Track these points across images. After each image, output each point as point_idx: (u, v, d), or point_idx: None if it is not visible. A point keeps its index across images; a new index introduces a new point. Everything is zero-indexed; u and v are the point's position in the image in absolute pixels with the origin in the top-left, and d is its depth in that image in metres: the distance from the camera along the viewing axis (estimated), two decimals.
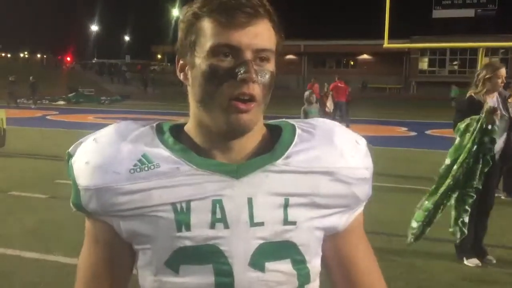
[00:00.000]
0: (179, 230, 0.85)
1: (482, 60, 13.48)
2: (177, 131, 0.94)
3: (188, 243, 0.85)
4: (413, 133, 14.85)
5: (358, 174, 0.92)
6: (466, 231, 3.96)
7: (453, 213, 4.00)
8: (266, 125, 0.97)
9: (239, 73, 0.82)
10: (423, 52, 48.59)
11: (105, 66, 56.06)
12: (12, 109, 18.30)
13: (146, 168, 0.86)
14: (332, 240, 0.95)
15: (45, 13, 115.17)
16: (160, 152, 0.88)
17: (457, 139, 4.04)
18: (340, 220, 0.93)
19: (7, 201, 6.28)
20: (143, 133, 0.91)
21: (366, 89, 44.47)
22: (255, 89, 0.84)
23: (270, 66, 0.87)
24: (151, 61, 69.24)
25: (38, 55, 64.90)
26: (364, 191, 0.94)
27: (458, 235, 3.98)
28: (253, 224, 0.86)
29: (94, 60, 69.60)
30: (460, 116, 4.13)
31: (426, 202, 3.97)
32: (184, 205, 0.85)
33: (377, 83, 47.71)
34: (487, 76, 4.18)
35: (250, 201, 0.86)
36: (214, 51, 0.84)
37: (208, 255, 0.85)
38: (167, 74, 57.68)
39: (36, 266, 4.14)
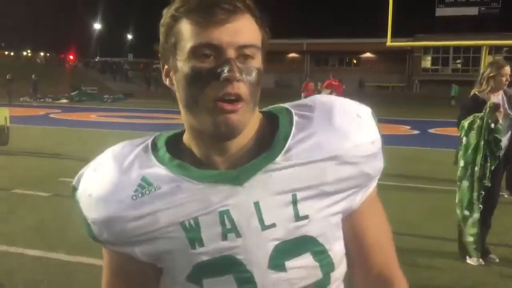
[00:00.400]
0: (193, 247, 0.85)
1: (486, 59, 13.44)
2: (175, 142, 0.92)
3: (204, 257, 0.85)
4: (416, 132, 14.82)
5: (364, 151, 0.87)
6: (478, 230, 4.02)
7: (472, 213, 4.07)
8: (263, 114, 0.94)
9: (222, 72, 0.79)
10: (426, 50, 48.48)
11: (107, 65, 56.12)
12: (14, 107, 18.31)
13: (147, 192, 0.85)
14: (347, 218, 0.92)
15: (47, 11, 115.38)
16: (158, 172, 0.86)
17: (464, 139, 4.06)
18: (353, 201, 0.90)
19: (10, 199, 6.30)
20: (139, 154, 0.89)
21: (363, 88, 44.29)
22: (241, 88, 0.80)
23: (256, 62, 0.83)
24: (154, 60, 69.30)
25: (41, 54, 64.98)
26: (374, 166, 0.90)
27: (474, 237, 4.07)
28: (264, 227, 0.84)
29: (97, 59, 69.65)
30: (464, 114, 4.15)
31: (468, 212, 4.09)
32: (192, 222, 0.84)
33: (380, 82, 47.66)
34: (491, 74, 4.18)
35: (257, 205, 0.84)
36: (195, 53, 0.81)
37: (226, 266, 0.85)
38: None
39: (39, 264, 4.14)
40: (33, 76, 25.92)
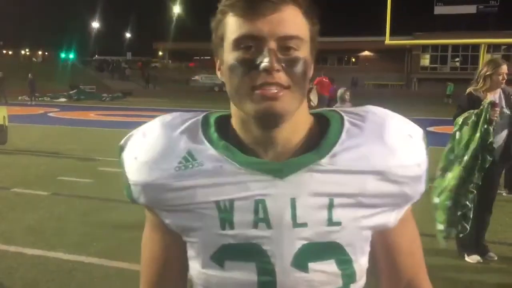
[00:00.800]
0: (223, 228, 0.86)
1: (484, 57, 13.44)
2: (224, 124, 0.93)
3: (231, 240, 0.86)
4: None
5: (409, 172, 0.87)
6: (468, 227, 3.99)
7: (443, 212, 4.03)
8: (315, 115, 0.94)
9: (261, 63, 0.80)
10: (424, 48, 48.53)
11: (105, 63, 56.11)
12: (12, 106, 18.29)
13: (191, 166, 0.87)
14: (379, 233, 0.92)
15: (46, 10, 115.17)
16: (204, 149, 0.88)
17: (457, 133, 4.08)
18: (389, 218, 0.90)
19: (9, 198, 6.29)
20: (189, 128, 0.91)
21: (356, 86, 44.19)
22: (282, 78, 0.81)
23: (300, 53, 0.83)
24: (153, 58, 69.23)
25: (39, 52, 64.88)
26: (415, 189, 0.90)
27: (453, 234, 4.02)
28: (296, 225, 0.84)
29: (95, 57, 69.58)
30: (460, 112, 4.17)
31: (441, 198, 4.02)
32: (227, 203, 0.85)
33: (379, 80, 47.69)
34: (488, 73, 4.19)
35: (293, 201, 0.84)
36: (237, 44, 0.82)
37: (251, 253, 0.86)
38: (169, 71, 57.74)
39: (38, 263, 4.14)
40: (29, 75, 25.81)
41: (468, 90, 4.32)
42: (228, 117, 0.94)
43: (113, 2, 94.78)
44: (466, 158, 3.97)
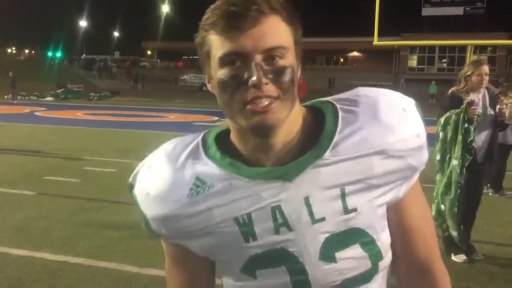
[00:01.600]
0: (247, 241, 0.89)
1: (471, 58, 13.56)
2: (224, 139, 0.95)
3: (258, 250, 0.89)
4: None
5: (409, 144, 0.90)
6: (453, 226, 4.09)
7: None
8: (307, 108, 0.96)
9: (249, 78, 0.82)
10: (412, 49, 48.87)
11: (92, 62, 55.75)
12: None
13: (202, 191, 0.89)
14: (391, 208, 0.94)
15: (33, 7, 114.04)
16: (211, 170, 0.90)
17: (441, 133, 4.15)
18: (399, 192, 0.93)
19: None
20: (192, 152, 0.93)
21: (333, 86, 44.21)
22: (270, 89, 0.83)
23: (286, 61, 0.85)
24: (141, 57, 68.85)
25: (26, 51, 64.19)
26: (419, 158, 0.92)
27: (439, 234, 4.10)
28: (314, 221, 0.87)
29: (83, 56, 69.03)
30: (443, 112, 4.24)
31: (445, 205, 4.15)
32: (245, 217, 0.88)
33: (367, 80, 47.91)
34: (468, 73, 4.23)
35: (307, 200, 0.87)
36: (223, 61, 0.84)
37: (279, 258, 0.89)
38: (157, 70, 57.49)
39: (24, 263, 4.10)
40: (10, 73, 25.37)
41: (450, 90, 4.37)
42: (226, 132, 0.96)
43: (101, 1, 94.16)
44: (453, 160, 4.05)
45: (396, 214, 0.95)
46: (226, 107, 0.87)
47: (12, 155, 9.26)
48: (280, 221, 0.87)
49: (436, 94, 29.37)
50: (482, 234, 4.83)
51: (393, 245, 0.97)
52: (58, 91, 29.64)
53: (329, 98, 0.96)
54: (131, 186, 0.97)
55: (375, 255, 0.91)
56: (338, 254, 0.89)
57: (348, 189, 0.87)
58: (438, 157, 4.17)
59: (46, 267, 4.02)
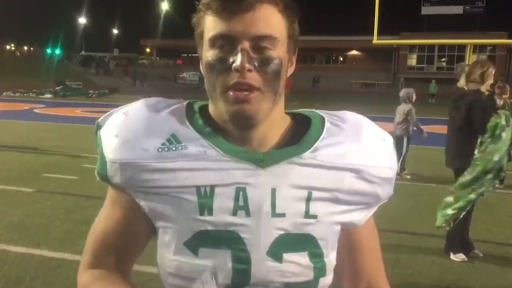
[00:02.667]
0: (202, 213, 0.86)
1: (470, 57, 13.56)
2: (207, 113, 0.93)
3: (209, 227, 0.86)
4: None
5: (382, 173, 0.92)
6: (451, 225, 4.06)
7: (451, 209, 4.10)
8: (294, 115, 0.97)
9: (233, 62, 0.82)
10: (411, 48, 48.87)
11: (89, 59, 55.76)
12: None
13: (174, 148, 0.87)
14: (346, 231, 0.96)
15: (32, 5, 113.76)
16: (189, 133, 0.88)
17: (503, 134, 4.17)
18: (359, 217, 0.94)
19: None
20: (174, 111, 0.91)
21: (317, 85, 44.03)
22: (253, 78, 0.83)
23: (275, 52, 0.84)
24: (140, 55, 68.76)
25: (25, 48, 64.08)
26: (386, 190, 0.95)
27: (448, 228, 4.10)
28: (274, 214, 0.86)
29: (82, 53, 68.93)
30: (491, 112, 4.17)
31: (466, 191, 4.08)
32: (208, 189, 0.86)
33: (366, 79, 47.92)
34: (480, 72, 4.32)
35: (273, 191, 0.86)
36: (213, 42, 0.84)
37: (227, 240, 0.86)
38: (156, 68, 57.42)
39: (22, 260, 4.09)
40: None
41: (484, 89, 4.44)
42: (206, 106, 0.95)
43: None
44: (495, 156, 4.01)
45: (349, 237, 0.97)
46: (211, 89, 0.87)
47: (10, 152, 9.24)
48: (241, 204, 0.85)
49: (435, 93, 29.27)
50: (480, 232, 4.85)
51: (341, 267, 0.98)
52: (57, 88, 29.58)
53: (317, 110, 0.98)
54: (99, 126, 0.94)
55: (320, 269, 0.90)
56: (286, 256, 0.87)
57: (315, 194, 0.88)
58: (496, 157, 4.02)
59: (44, 264, 4.02)
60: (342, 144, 0.90)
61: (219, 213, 0.85)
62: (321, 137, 0.90)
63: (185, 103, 0.95)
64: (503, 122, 4.12)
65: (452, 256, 4.30)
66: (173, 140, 0.87)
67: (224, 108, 0.85)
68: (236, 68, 0.81)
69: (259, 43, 0.83)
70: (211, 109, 0.92)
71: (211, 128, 0.89)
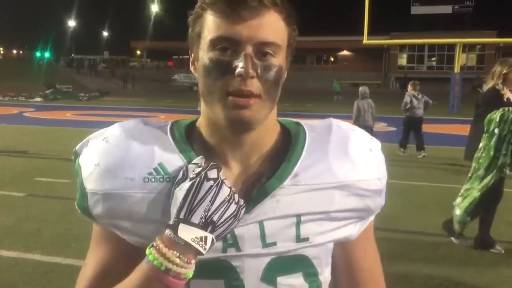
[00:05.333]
0: None
1: (460, 56, 13.64)
2: (191, 131, 0.90)
3: (199, 261, 0.81)
4: (392, 128, 14.99)
5: (371, 186, 0.89)
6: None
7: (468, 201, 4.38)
8: (281, 124, 0.94)
9: (236, 67, 0.78)
10: (402, 48, 49.14)
11: (78, 61, 55.64)
12: None
13: (161, 180, 0.82)
14: (341, 245, 0.93)
15: (21, 7, 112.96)
16: (176, 162, 0.84)
17: (496, 130, 4.34)
18: (352, 231, 0.91)
19: None
20: (158, 136, 0.87)
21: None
22: (254, 85, 0.80)
23: (276, 60, 0.82)
24: (131, 57, 68.51)
25: (14, 51, 63.61)
26: (377, 202, 0.92)
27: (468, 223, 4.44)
28: (265, 245, 0.84)
29: (71, 56, 68.53)
30: (488, 108, 4.46)
31: (471, 189, 4.40)
32: None
33: (357, 79, 48.07)
34: (505, 71, 4.54)
35: (261, 225, 0.84)
36: (214, 44, 0.81)
37: (219, 270, 0.84)
38: (147, 70, 57.25)
39: (15, 264, 4.07)
40: None
41: (490, 87, 4.65)
42: (192, 124, 0.92)
43: (90, 1, 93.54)
44: (504, 157, 4.29)
45: (346, 254, 0.94)
46: (207, 93, 0.83)
47: (0, 156, 9.18)
48: (230, 242, 0.83)
49: (339, 91, 30.50)
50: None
51: (339, 284, 0.96)
52: (47, 91, 29.38)
53: (302, 122, 0.94)
54: (76, 154, 0.89)
55: None
56: (280, 279, 0.85)
57: (304, 218, 0.85)
58: (491, 152, 4.35)
59: (37, 268, 4.00)
60: (326, 160, 0.87)
61: (209, 251, 0.79)
62: (300, 159, 0.86)
63: (169, 124, 0.90)
64: (497, 119, 4.28)
65: (455, 240, 4.58)
66: (161, 170, 0.83)
67: (222, 114, 0.81)
68: (240, 74, 0.78)
69: (263, 49, 0.80)
70: (203, 111, 0.89)
71: (193, 150, 0.85)
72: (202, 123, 0.90)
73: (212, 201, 0.77)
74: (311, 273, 0.88)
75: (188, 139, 0.88)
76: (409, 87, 9.85)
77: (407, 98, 9.60)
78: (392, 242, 4.60)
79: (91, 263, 0.91)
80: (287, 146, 0.89)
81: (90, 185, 0.85)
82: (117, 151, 0.85)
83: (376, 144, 0.94)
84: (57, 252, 4.31)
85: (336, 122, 0.94)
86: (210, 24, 0.82)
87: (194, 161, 0.83)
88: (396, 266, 4.06)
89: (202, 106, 0.89)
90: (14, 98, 26.76)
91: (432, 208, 5.75)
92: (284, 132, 0.92)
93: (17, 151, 9.70)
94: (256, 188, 0.85)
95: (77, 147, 0.90)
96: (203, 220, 0.76)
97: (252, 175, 0.87)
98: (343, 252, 0.93)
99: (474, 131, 4.77)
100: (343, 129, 0.93)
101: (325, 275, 0.91)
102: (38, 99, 27.66)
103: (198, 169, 0.79)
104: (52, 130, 14.03)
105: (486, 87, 4.72)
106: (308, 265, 0.88)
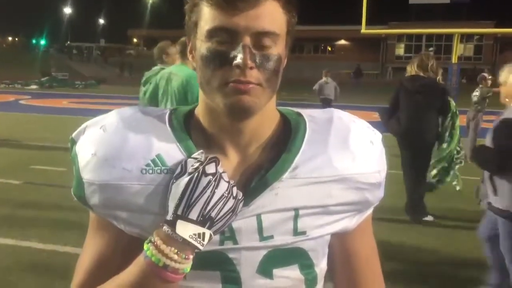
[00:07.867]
0: None
1: (458, 46, 13.64)
2: (189, 119, 0.89)
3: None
4: None
5: (370, 179, 0.89)
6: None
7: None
8: (280, 114, 0.92)
9: (234, 58, 0.77)
10: (399, 38, 49.04)
11: (74, 48, 55.39)
12: None
13: (159, 171, 0.81)
14: (338, 235, 0.92)
15: None
16: (174, 153, 0.82)
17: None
18: (350, 223, 0.91)
19: None
20: (157, 125, 0.86)
21: None
22: (253, 75, 0.78)
23: (275, 50, 0.81)
24: (127, 45, 68.10)
25: (10, 38, 63.18)
26: (376, 195, 0.91)
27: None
28: (262, 238, 0.84)
29: (67, 44, 68.10)
30: None
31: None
32: None
33: (354, 69, 47.99)
34: None
35: (259, 218, 0.83)
36: (211, 35, 0.79)
37: (216, 262, 0.84)
38: (144, 58, 56.96)
39: (12, 252, 4.09)
40: None
41: None
42: (191, 112, 0.91)
43: None
44: None
45: (344, 244, 0.93)
46: (206, 83, 0.82)
47: None
48: (228, 235, 0.83)
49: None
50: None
51: (337, 274, 0.96)
52: (42, 79, 29.21)
53: (302, 113, 0.93)
54: (73, 142, 0.88)
55: (311, 280, 0.89)
56: (276, 271, 0.85)
57: (302, 211, 0.85)
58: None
59: (34, 256, 4.01)
60: (325, 153, 0.86)
61: (206, 244, 0.78)
62: (300, 151, 0.85)
63: (167, 113, 0.89)
64: (454, 109, 4.76)
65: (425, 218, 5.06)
66: (159, 162, 0.81)
67: (221, 101, 0.80)
68: (238, 65, 0.77)
69: (261, 39, 0.79)
70: (201, 100, 0.88)
71: (191, 139, 0.85)
72: (200, 111, 0.89)
73: (210, 197, 0.76)
74: (307, 265, 0.88)
75: (187, 127, 0.87)
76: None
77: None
78: (387, 232, 4.63)
79: (88, 251, 0.91)
80: (287, 136, 0.88)
81: (87, 175, 0.84)
82: (115, 141, 0.83)
83: (377, 136, 0.93)
84: (54, 240, 4.33)
85: (337, 114, 0.93)
86: (206, 15, 0.80)
87: (193, 156, 0.81)
88: (393, 256, 4.08)
89: (201, 94, 0.88)
90: (10, 86, 26.60)
91: (430, 195, 5.77)
92: (284, 121, 0.91)
93: (13, 139, 9.67)
94: (255, 180, 0.84)
95: (73, 135, 0.89)
96: (201, 217, 0.76)
97: (251, 166, 0.86)
98: (340, 242, 0.93)
99: None
100: (344, 121, 0.91)
101: (321, 267, 0.92)
102: (34, 86, 27.50)
103: (197, 164, 0.78)
104: (49, 118, 13.99)
105: None
106: (305, 257, 0.88)
